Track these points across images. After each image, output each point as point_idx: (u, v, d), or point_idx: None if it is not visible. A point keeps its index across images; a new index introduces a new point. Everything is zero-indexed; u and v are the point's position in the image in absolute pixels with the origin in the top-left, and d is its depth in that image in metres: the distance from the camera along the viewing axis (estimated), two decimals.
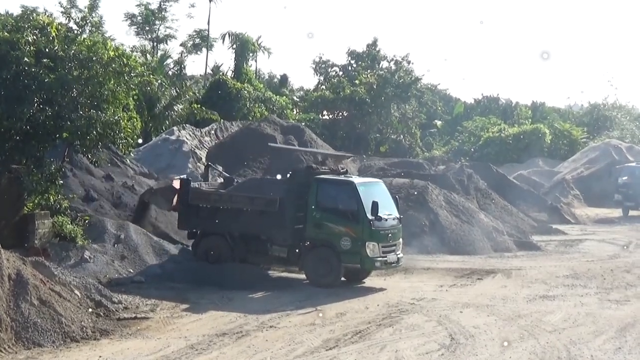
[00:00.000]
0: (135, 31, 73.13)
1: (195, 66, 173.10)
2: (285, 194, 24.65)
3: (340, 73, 77.23)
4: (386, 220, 24.43)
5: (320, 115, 70.24)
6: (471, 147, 71.97)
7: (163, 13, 72.94)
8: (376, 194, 24.80)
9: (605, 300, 23.18)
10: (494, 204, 41.10)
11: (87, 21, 26.31)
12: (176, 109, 51.32)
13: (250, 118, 56.20)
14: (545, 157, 68.33)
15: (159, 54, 69.59)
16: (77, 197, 27.65)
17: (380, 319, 20.02)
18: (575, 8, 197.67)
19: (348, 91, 67.84)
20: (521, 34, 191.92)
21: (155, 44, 73.29)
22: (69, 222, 24.49)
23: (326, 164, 32.16)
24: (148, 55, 65.76)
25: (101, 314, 19.02)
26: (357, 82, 69.08)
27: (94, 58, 23.87)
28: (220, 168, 31.01)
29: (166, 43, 73.97)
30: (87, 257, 23.52)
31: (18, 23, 24.33)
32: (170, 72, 62.79)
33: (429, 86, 79.22)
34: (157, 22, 72.83)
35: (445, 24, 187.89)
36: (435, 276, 26.92)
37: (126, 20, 72.74)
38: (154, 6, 72.40)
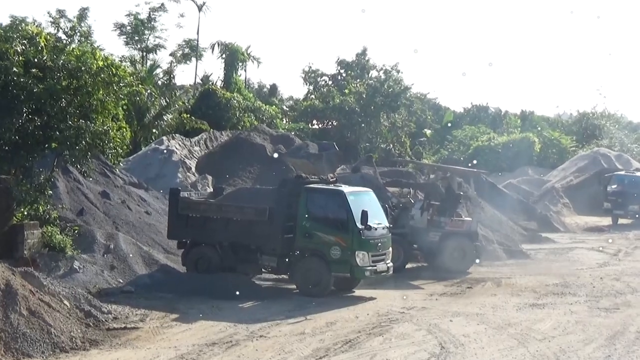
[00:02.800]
0: (125, 41, 73.03)
1: (185, 76, 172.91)
2: (275, 204, 24.65)
3: (330, 82, 77.24)
4: (376, 229, 24.45)
5: (309, 125, 70.18)
6: (461, 156, 71.99)
7: (152, 23, 72.76)
8: (366, 203, 24.83)
9: (594, 308, 23.24)
10: (484, 212, 41.11)
11: (76, 31, 26.38)
12: (165, 119, 51.21)
13: (240, 127, 56.11)
14: (534, 166, 68.46)
15: (148, 63, 69.36)
16: (72, 212, 27.57)
17: (370, 328, 20.03)
18: (563, 17, 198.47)
19: (337, 100, 67.83)
20: (510, 44, 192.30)
21: (144, 53, 73.09)
22: (59, 232, 24.43)
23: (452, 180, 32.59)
24: (137, 65, 65.56)
25: (91, 324, 18.97)
26: (346, 91, 69.08)
27: (82, 68, 23.84)
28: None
29: (155, 53, 73.80)
30: (77, 268, 23.48)
31: (7, 33, 24.31)
32: (159, 82, 62.63)
33: (419, 95, 79.31)
34: (146, 31, 72.69)
35: (435, 34, 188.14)
36: (425, 285, 26.94)
37: (115, 30, 72.64)
38: (143, 16, 72.33)
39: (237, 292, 23.19)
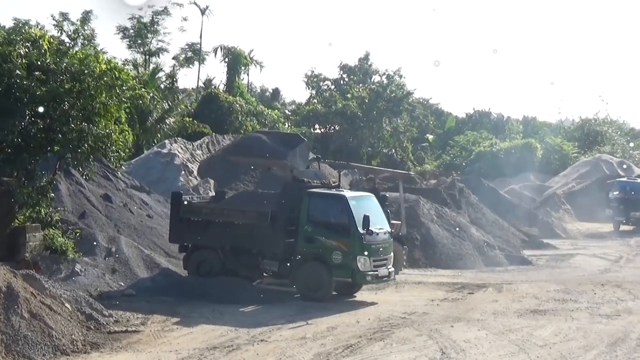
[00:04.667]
0: (128, 44, 73.11)
1: (188, 79, 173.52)
2: (276, 208, 24.65)
3: (332, 87, 77.36)
4: (377, 234, 24.45)
5: (312, 129, 70.29)
6: (463, 161, 72.07)
7: (155, 26, 72.87)
8: (368, 207, 24.83)
9: (596, 314, 23.20)
10: (485, 218, 41.20)
11: (79, 34, 26.30)
12: (168, 122, 51.29)
13: (242, 132, 56.20)
14: (536, 172, 68.47)
15: (151, 67, 69.44)
16: (74, 215, 27.60)
17: (371, 333, 20.01)
18: (567, 24, 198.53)
19: (340, 105, 67.96)
20: (513, 49, 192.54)
21: (147, 57, 73.19)
22: (60, 235, 24.44)
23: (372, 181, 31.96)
24: (140, 69, 65.69)
25: (92, 327, 18.96)
26: (349, 96, 69.20)
27: (85, 71, 23.84)
28: None
29: (158, 56, 73.81)
30: (78, 270, 23.49)
31: (10, 36, 24.29)
32: (162, 86, 62.63)
33: (421, 100, 79.35)
34: (149, 35, 72.79)
35: (437, 38, 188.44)
36: (426, 290, 26.94)
37: (118, 33, 72.72)
38: (146, 19, 72.41)
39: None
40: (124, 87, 24.98)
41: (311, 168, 28.36)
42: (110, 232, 27.24)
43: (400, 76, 74.37)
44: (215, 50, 75.97)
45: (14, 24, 25.62)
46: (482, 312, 23.08)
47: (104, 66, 24.37)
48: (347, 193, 25.28)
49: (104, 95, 24.42)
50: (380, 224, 24.90)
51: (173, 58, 76.32)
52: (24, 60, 23.32)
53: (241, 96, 66.76)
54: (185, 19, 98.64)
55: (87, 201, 29.23)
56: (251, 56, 76.96)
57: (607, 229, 49.39)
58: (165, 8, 72.04)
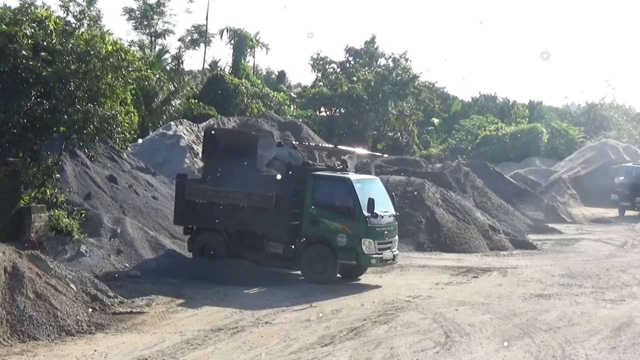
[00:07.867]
0: (134, 26, 73.05)
1: (193, 61, 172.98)
2: (281, 190, 24.63)
3: (338, 70, 77.11)
4: (382, 217, 24.44)
5: (317, 112, 70.12)
6: (468, 145, 71.89)
7: (161, 8, 72.86)
8: (373, 191, 24.82)
9: (600, 299, 23.23)
10: (491, 202, 41.16)
11: (86, 15, 26.22)
12: (174, 104, 51.19)
13: (248, 114, 56.11)
14: (542, 157, 68.33)
15: (157, 48, 69.41)
16: (79, 196, 27.61)
17: (376, 316, 20.05)
18: (573, 7, 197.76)
19: (346, 88, 67.71)
20: (520, 33, 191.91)
21: (153, 38, 73.17)
22: (66, 216, 24.48)
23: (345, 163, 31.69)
24: (146, 50, 65.62)
25: (97, 308, 19.02)
26: (354, 79, 68.93)
27: (91, 52, 23.81)
28: None
29: (164, 38, 73.89)
30: (83, 251, 23.52)
31: (16, 16, 24.23)
32: (168, 67, 62.68)
33: (427, 84, 79.14)
34: (155, 16, 72.72)
35: (444, 21, 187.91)
36: (431, 274, 26.96)
37: (124, 14, 72.68)
38: (152, 1, 72.31)
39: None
40: (129, 69, 24.95)
41: (285, 146, 28.06)
42: (115, 214, 27.25)
43: (407, 59, 74.20)
44: (221, 32, 75.86)
45: (20, 4, 25.41)
46: (486, 296, 23.10)
47: (110, 47, 24.33)
48: (352, 176, 25.26)
49: (109, 77, 24.39)
50: (385, 207, 24.87)
51: (179, 40, 76.51)
52: (29, 41, 23.27)
53: (247, 78, 66.63)
54: (191, 1, 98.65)
55: (92, 182, 29.22)
56: (257, 38, 76.81)
57: (613, 214, 49.36)
58: None
